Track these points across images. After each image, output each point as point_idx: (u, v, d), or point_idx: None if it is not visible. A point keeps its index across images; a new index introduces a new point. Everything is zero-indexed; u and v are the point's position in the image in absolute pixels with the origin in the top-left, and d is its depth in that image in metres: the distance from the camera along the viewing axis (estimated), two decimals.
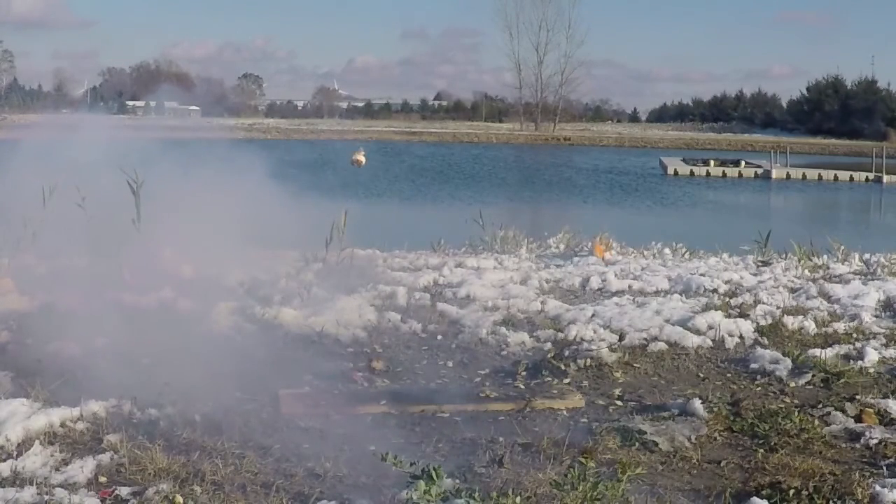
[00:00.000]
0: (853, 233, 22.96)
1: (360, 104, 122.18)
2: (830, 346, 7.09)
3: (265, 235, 9.06)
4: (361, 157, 9.80)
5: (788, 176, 48.98)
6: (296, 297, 7.94)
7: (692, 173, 49.73)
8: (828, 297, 8.73)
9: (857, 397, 5.85)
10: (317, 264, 9.30)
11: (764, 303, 8.41)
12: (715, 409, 5.51)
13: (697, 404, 5.49)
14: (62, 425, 4.93)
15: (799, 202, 40.21)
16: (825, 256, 11.63)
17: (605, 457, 4.72)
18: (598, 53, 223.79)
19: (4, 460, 4.45)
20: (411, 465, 3.94)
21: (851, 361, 6.73)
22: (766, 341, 7.25)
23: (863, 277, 9.95)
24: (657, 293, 8.99)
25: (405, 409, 5.45)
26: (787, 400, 5.90)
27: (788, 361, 6.54)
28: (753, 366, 6.60)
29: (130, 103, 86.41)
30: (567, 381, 6.16)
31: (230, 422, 4.98)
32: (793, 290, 9.06)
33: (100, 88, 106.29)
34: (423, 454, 4.68)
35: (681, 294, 8.88)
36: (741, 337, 7.32)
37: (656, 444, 4.91)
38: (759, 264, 10.84)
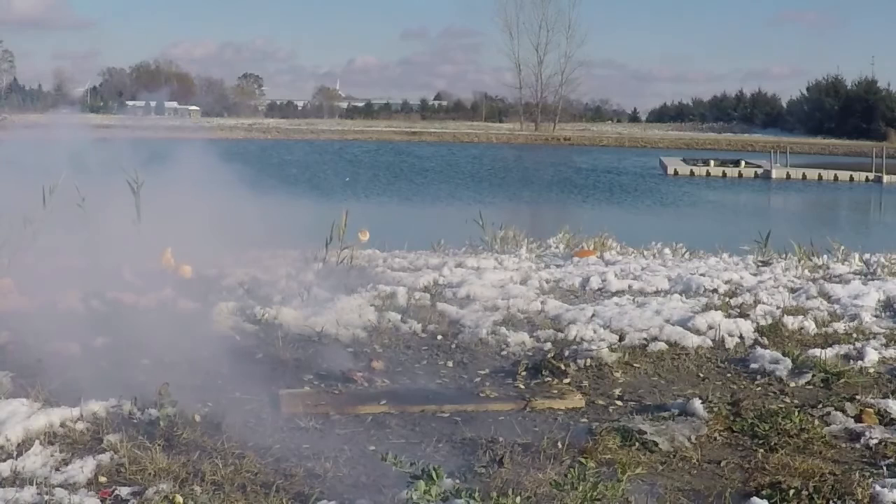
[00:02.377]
0: (853, 233, 23.02)
1: (360, 104, 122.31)
2: (830, 346, 7.08)
3: (234, 234, 9.06)
4: (364, 237, 9.54)
5: (788, 176, 49.01)
6: (296, 297, 7.94)
7: (692, 173, 49.76)
8: (828, 297, 8.72)
9: (857, 397, 5.85)
10: (317, 264, 9.30)
11: (764, 303, 8.40)
12: (715, 409, 5.51)
13: (697, 404, 5.49)
14: (62, 425, 4.92)
15: (799, 202, 40.23)
16: (825, 256, 11.62)
17: (605, 457, 4.71)
18: (598, 53, 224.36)
19: (4, 460, 4.44)
20: (411, 465, 3.95)
21: (851, 361, 6.72)
22: (766, 341, 7.24)
23: (863, 277, 9.94)
24: (657, 293, 8.98)
25: (405, 409, 5.45)
26: (787, 400, 5.90)
27: (788, 361, 6.54)
28: (753, 366, 6.60)
29: (130, 103, 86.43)
30: (567, 381, 6.16)
31: (230, 422, 4.98)
32: (793, 290, 9.05)
33: (100, 88, 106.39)
34: (423, 454, 4.68)
35: (681, 294, 8.87)
36: (741, 337, 7.31)
37: (656, 444, 4.91)
38: (759, 264, 10.83)
